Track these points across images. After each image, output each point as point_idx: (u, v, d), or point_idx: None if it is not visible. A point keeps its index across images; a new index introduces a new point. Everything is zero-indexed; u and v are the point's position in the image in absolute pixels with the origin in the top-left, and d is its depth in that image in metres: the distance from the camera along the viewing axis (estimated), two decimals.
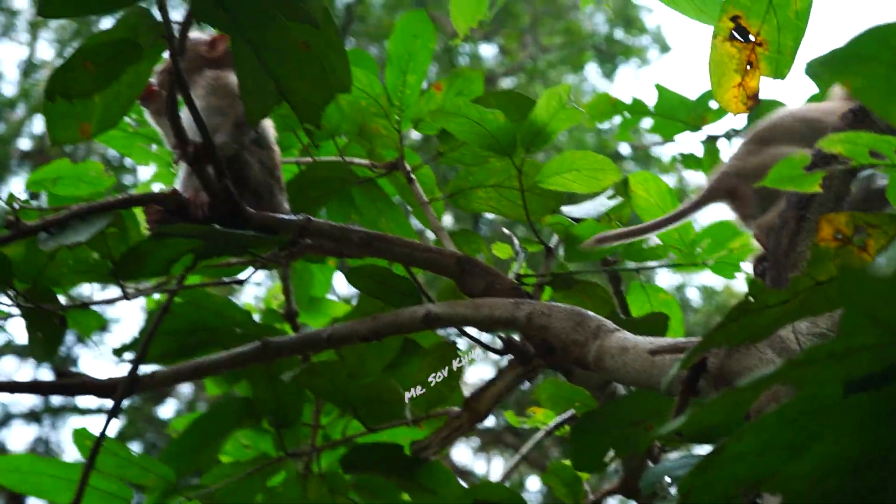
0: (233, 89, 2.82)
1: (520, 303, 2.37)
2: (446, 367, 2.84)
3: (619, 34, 23.70)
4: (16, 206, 2.73)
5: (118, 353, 3.13)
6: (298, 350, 2.79)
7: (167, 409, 16.88)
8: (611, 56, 23.10)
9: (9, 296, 2.88)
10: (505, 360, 2.77)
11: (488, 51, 22.54)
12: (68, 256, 2.87)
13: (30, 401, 17.28)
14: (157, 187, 4.00)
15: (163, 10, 2.34)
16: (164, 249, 2.59)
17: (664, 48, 23.78)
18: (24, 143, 19.78)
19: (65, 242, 2.55)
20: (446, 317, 2.48)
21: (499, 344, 2.71)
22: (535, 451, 3.73)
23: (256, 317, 3.49)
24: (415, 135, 3.17)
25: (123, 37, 2.43)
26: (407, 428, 3.16)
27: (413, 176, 3.07)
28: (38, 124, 20.33)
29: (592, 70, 23.11)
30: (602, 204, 2.98)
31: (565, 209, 2.97)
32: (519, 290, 2.54)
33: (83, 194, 3.01)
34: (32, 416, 16.65)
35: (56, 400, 16.94)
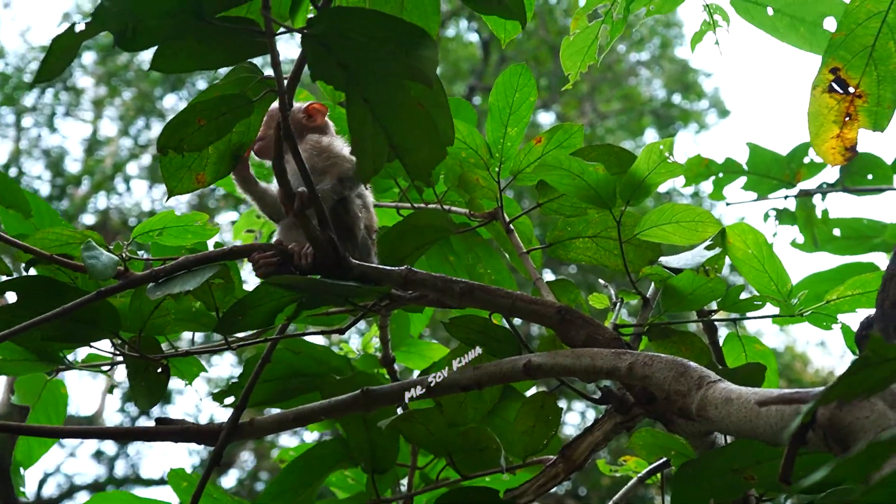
0: (334, 151, 3.03)
1: (621, 353, 2.44)
2: (545, 417, 2.95)
3: (676, 99, 23.87)
4: (123, 255, 2.95)
5: (218, 398, 3.31)
6: (398, 399, 2.88)
7: (229, 480, 17.14)
8: (669, 121, 23.24)
9: (115, 344, 3.09)
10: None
11: (547, 118, 22.79)
12: (172, 306, 3.06)
13: (94, 471, 17.67)
14: (247, 233, 4.25)
15: (276, 66, 2.48)
16: (269, 302, 2.73)
17: (723, 112, 23.87)
18: (89, 219, 20.31)
19: (172, 292, 2.71)
20: (547, 366, 2.57)
21: (597, 394, 2.80)
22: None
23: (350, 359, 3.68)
24: (512, 187, 3.32)
25: (233, 92, 2.63)
26: (500, 477, 3.31)
27: (511, 226, 3.20)
28: (101, 201, 20.87)
29: (651, 135, 23.27)
30: (699, 255, 3.06)
31: (662, 260, 3.08)
32: (620, 340, 2.61)
33: (187, 244, 3.18)
34: (96, 488, 16.95)
35: (120, 470, 17.33)
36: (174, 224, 3.14)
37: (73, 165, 21.55)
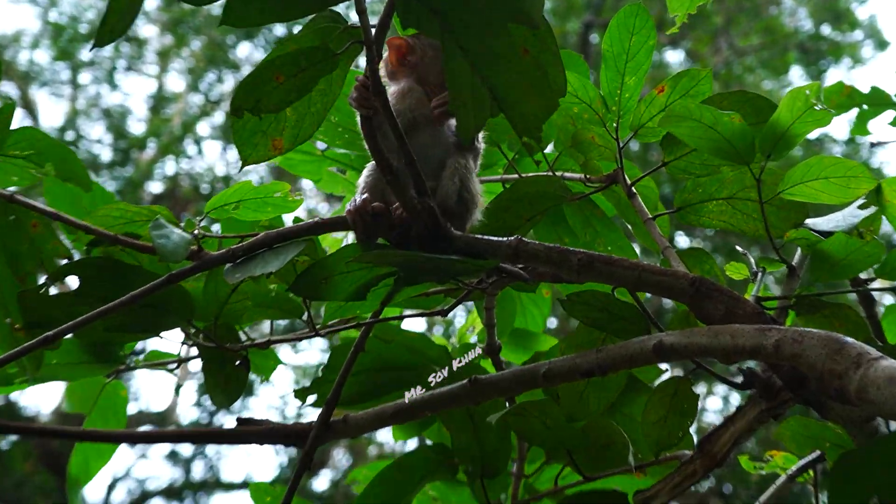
0: (418, 95, 3.09)
1: (765, 329, 2.44)
2: (679, 406, 2.98)
3: (826, 30, 23.44)
4: (196, 233, 3.02)
5: (301, 395, 3.40)
6: (510, 389, 2.91)
7: (322, 482, 17.31)
8: (818, 56, 22.84)
9: (188, 334, 3.18)
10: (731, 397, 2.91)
11: (674, 57, 22.47)
12: (251, 289, 3.15)
13: (169, 474, 17.99)
14: None
15: (361, 13, 2.56)
16: (360, 271, 2.81)
17: (881, 44, 23.38)
18: (156, 187, 20.59)
19: (253, 273, 2.78)
20: (681, 347, 2.57)
21: (738, 377, 2.84)
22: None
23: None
24: (632, 145, 3.33)
25: (314, 44, 2.70)
26: (628, 477, 3.35)
27: (634, 190, 3.24)
28: (169, 165, 21.10)
29: (796, 73, 22.90)
30: (852, 215, 3.08)
31: (809, 222, 3.10)
32: (763, 314, 2.64)
33: (267, 219, 3.27)
34: (172, 493, 17.27)
35: (198, 473, 17.64)
36: (252, 196, 3.21)
37: (136, 126, 21.77)
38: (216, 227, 3.31)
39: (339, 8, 2.70)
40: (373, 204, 2.85)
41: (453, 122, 3.10)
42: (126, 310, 2.78)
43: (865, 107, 4.16)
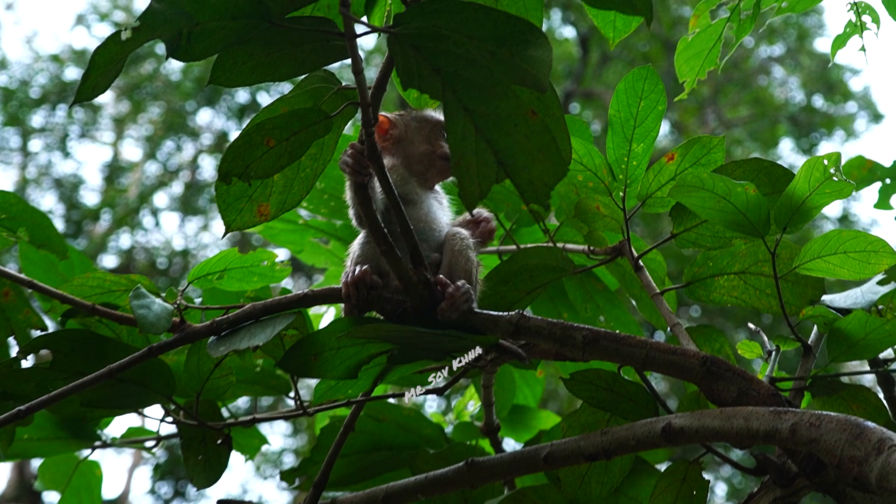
0: (401, 172, 3.07)
1: (781, 412, 2.44)
2: (688, 492, 2.92)
3: (818, 102, 23.56)
4: (178, 304, 2.98)
5: (288, 477, 3.37)
6: (509, 472, 2.90)
7: None
8: (809, 128, 22.93)
9: (168, 410, 3.15)
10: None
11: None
12: (235, 364, 3.11)
13: None
14: None
15: (358, 72, 2.53)
16: (351, 347, 2.77)
17: (876, 116, 23.46)
18: (109, 261, 20.47)
19: (238, 347, 2.74)
20: (691, 430, 2.57)
21: (752, 463, 2.81)
22: None
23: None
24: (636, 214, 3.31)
25: (306, 106, 2.68)
26: None
27: (641, 262, 3.21)
28: (124, 238, 21.01)
29: (786, 146, 23.00)
30: (872, 291, 3.08)
31: (826, 299, 3.08)
32: (778, 396, 2.63)
33: (252, 290, 3.22)
34: None
35: None
36: (237, 265, 3.16)
37: (90, 197, 21.71)
38: (199, 298, 3.27)
39: (333, 67, 2.69)
40: (371, 276, 2.83)
41: (440, 193, 3.10)
42: (103, 384, 2.76)
43: (888, 181, 4.16)
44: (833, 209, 19.15)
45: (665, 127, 22.41)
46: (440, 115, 3.06)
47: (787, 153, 22.98)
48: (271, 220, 2.82)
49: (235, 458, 3.62)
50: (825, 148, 22.91)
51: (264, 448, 3.83)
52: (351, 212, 2.95)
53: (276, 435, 17.83)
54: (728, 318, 16.45)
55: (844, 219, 19.28)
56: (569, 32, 21.98)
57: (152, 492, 18.08)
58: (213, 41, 2.44)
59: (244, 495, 18.46)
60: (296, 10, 2.50)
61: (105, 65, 2.34)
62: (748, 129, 22.48)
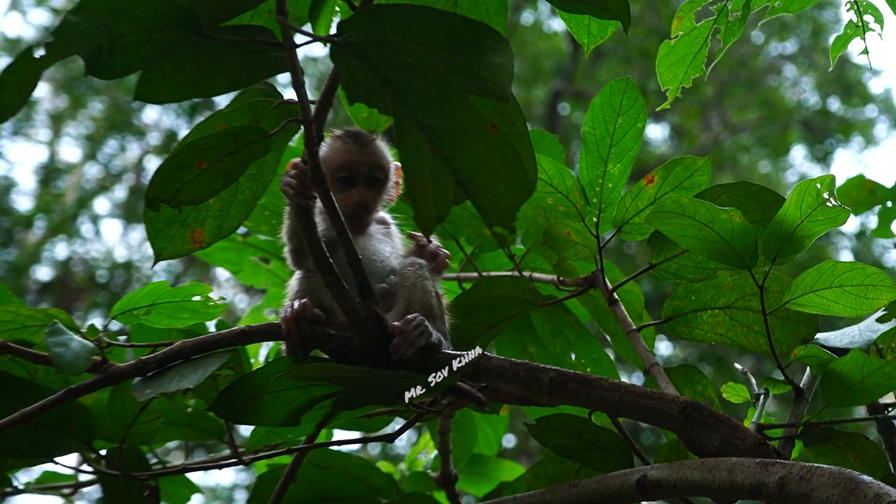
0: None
1: (768, 464, 2.43)
2: None
3: (834, 105, 23.51)
4: (100, 341, 2.95)
5: None
6: None
7: None
8: (824, 134, 22.90)
9: (88, 459, 3.13)
10: None
11: (657, 132, 22.50)
12: (163, 407, 3.10)
13: None
14: (271, 314, 4.27)
15: (298, 87, 2.53)
16: (292, 391, 2.77)
17: None
18: (43, 273, 20.30)
19: (167, 390, 2.74)
20: (669, 483, 2.57)
21: None
22: None
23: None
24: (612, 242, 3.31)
25: (243, 123, 2.69)
26: None
27: (616, 296, 3.22)
28: (60, 248, 20.82)
29: (799, 154, 22.97)
30: (870, 329, 3.06)
31: (820, 337, 3.08)
32: (766, 446, 2.63)
33: (184, 326, 3.18)
34: None
35: None
36: (166, 299, 3.12)
37: (22, 201, 21.50)
38: (123, 335, 3.26)
39: (274, 81, 2.70)
40: (311, 310, 2.84)
41: (386, 221, 3.11)
42: (15, 430, 2.74)
43: (889, 204, 4.18)
44: (850, 225, 19.10)
45: (664, 131, 22.40)
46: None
47: (800, 161, 22.98)
48: (207, 248, 2.83)
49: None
50: (841, 155, 22.83)
51: (215, 483, 3.83)
52: (287, 248, 2.96)
53: (227, 469, 17.71)
54: (728, 353, 16.42)
55: (861, 235, 19.22)
56: (558, 25, 21.86)
57: None
58: (137, 56, 2.43)
59: None
60: (230, 18, 2.49)
61: (17, 84, 2.32)
62: (756, 134, 22.39)
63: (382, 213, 3.14)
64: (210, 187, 2.69)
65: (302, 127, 2.61)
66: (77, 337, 2.84)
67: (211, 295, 3.07)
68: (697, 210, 2.80)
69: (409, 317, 2.80)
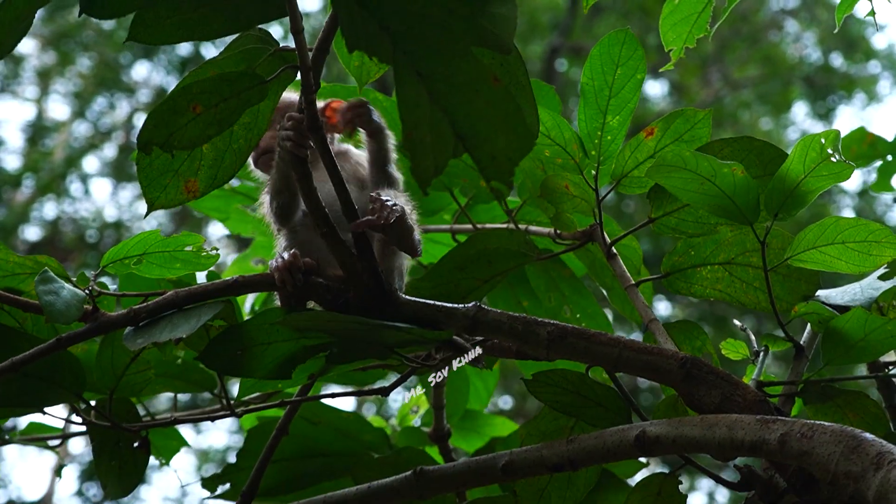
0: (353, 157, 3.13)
1: (768, 420, 2.46)
2: None
3: (836, 61, 23.42)
4: (91, 290, 2.98)
5: (209, 485, 3.39)
6: (462, 483, 2.94)
7: None
8: (826, 91, 22.83)
9: (77, 409, 3.15)
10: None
11: (656, 88, 22.41)
12: (154, 358, 3.12)
13: None
14: (257, 264, 4.28)
15: (297, 32, 2.57)
16: (284, 341, 2.79)
17: None
18: (32, 233, 20.21)
19: (158, 339, 2.77)
20: (668, 439, 2.60)
21: (735, 476, 2.84)
22: None
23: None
24: (611, 196, 3.33)
25: (239, 69, 2.70)
26: None
27: (615, 250, 3.24)
28: (49, 208, 20.69)
29: (800, 111, 22.89)
30: (873, 287, 3.07)
31: (821, 294, 3.10)
32: (766, 403, 2.67)
33: (175, 276, 3.19)
34: None
35: None
36: (158, 248, 3.12)
37: (10, 160, 21.38)
38: (114, 285, 3.26)
39: (270, 27, 2.71)
40: (303, 259, 2.86)
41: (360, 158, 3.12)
42: (4, 380, 2.77)
43: (890, 158, 4.19)
44: (852, 183, 19.05)
45: (663, 88, 22.34)
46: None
47: (802, 118, 22.94)
48: (201, 198, 2.83)
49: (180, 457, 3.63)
50: (844, 112, 22.72)
51: (208, 445, 3.86)
52: (272, 206, 3.01)
53: (220, 431, 17.65)
54: (728, 313, 16.44)
55: (864, 193, 19.19)
56: None
57: (79, 493, 17.93)
58: None
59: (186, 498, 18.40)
60: None
61: (11, 22, 2.34)
62: (758, 90, 22.28)
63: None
64: (204, 132, 2.70)
65: (299, 74, 2.63)
66: (68, 285, 2.85)
67: (203, 245, 3.08)
68: (699, 164, 2.81)
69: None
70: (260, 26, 2.70)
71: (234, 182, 3.97)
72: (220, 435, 17.65)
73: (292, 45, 2.63)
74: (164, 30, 2.57)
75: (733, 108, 21.36)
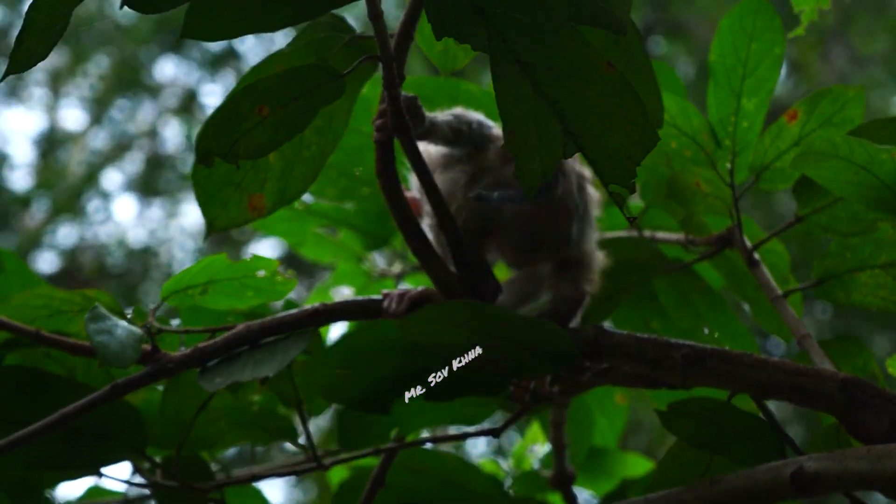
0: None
1: None
2: None
3: None
4: (150, 326, 2.93)
5: None
6: None
7: None
8: None
9: (140, 469, 3.11)
10: None
11: None
12: (227, 405, 3.09)
13: None
14: (340, 294, 4.25)
15: (376, 17, 2.49)
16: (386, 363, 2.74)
17: None
18: (46, 263, 20.31)
19: (240, 378, 2.71)
20: (830, 475, 2.52)
21: None
22: None
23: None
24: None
25: (309, 62, 2.65)
26: None
27: (757, 256, 3.17)
28: (64, 232, 20.79)
29: None
30: None
31: None
32: None
33: (248, 307, 3.13)
34: None
35: None
36: (226, 276, 3.03)
37: (19, 178, 21.48)
38: (176, 320, 3.23)
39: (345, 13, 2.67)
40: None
41: None
42: (53, 437, 2.74)
43: None
44: None
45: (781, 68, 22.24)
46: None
47: None
48: (267, 216, 2.79)
49: None
50: None
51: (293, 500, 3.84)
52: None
53: (275, 486, 17.71)
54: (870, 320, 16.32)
55: None
56: None
57: None
58: None
59: None
60: None
61: (45, 24, 2.29)
62: (889, 67, 22.18)
63: None
64: (273, 138, 2.60)
65: (380, 66, 2.57)
66: (122, 323, 2.80)
67: (279, 269, 3.03)
68: (853, 150, 2.74)
69: None
70: (332, 12, 2.64)
71: (307, 197, 3.92)
72: (275, 491, 17.71)
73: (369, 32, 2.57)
74: (222, 22, 2.49)
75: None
